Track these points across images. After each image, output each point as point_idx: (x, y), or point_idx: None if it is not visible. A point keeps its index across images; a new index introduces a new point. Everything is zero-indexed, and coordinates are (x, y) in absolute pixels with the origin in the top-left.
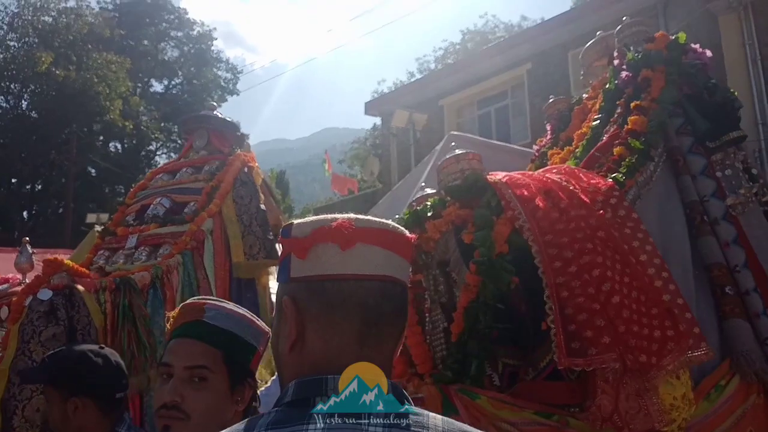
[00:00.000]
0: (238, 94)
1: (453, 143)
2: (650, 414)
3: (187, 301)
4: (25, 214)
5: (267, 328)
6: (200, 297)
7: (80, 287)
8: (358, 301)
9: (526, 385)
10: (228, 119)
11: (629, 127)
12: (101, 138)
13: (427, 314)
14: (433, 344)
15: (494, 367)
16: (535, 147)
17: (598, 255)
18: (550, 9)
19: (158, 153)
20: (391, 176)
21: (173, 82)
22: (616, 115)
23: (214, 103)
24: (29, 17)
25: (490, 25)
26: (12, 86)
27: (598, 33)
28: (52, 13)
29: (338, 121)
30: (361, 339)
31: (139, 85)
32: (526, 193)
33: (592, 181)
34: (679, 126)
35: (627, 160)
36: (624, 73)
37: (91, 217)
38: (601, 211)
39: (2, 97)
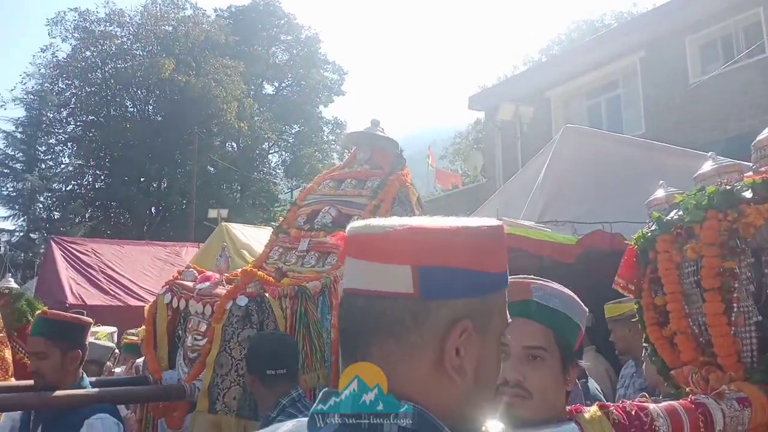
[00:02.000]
0: (344, 95)
1: (573, 134)
2: None
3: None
4: (153, 210)
5: (585, 308)
6: (521, 276)
7: (269, 295)
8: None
9: None
10: (389, 137)
11: None
12: (219, 138)
13: (735, 304)
14: (740, 335)
15: None
16: None
17: None
18: None
19: (270, 152)
20: (495, 170)
21: (283, 84)
22: None
23: (378, 119)
24: (152, 27)
25: (598, 13)
26: (139, 92)
27: None
28: (172, 23)
29: (437, 118)
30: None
31: (252, 87)
32: None
33: None
34: None
35: None
36: None
37: (212, 213)
38: None
39: (131, 102)
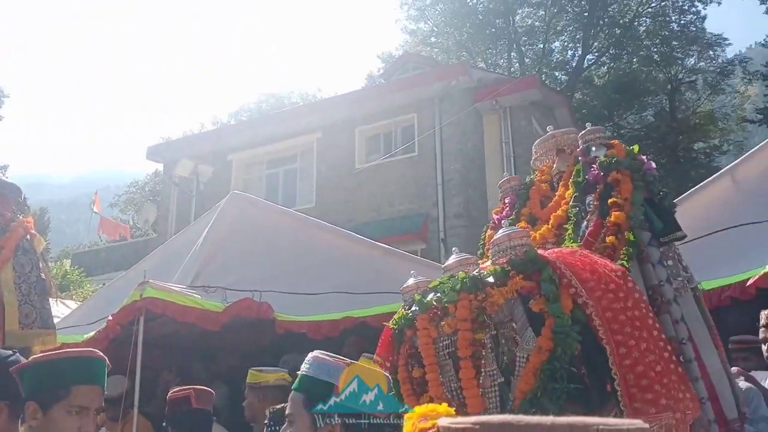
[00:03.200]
0: (1, 119)
1: (238, 202)
2: None
3: None
4: None
5: (343, 363)
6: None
7: None
8: None
9: None
10: (11, 183)
11: (613, 220)
12: None
13: (483, 369)
14: (487, 396)
15: None
16: (495, 216)
17: (644, 331)
18: (346, 85)
19: None
20: (168, 226)
21: None
22: (592, 207)
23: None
24: None
25: (287, 90)
26: None
27: (548, 127)
28: None
29: (116, 162)
30: None
31: None
32: (581, 272)
33: (609, 265)
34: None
35: (624, 249)
36: (594, 172)
37: None
38: (636, 294)
39: None
